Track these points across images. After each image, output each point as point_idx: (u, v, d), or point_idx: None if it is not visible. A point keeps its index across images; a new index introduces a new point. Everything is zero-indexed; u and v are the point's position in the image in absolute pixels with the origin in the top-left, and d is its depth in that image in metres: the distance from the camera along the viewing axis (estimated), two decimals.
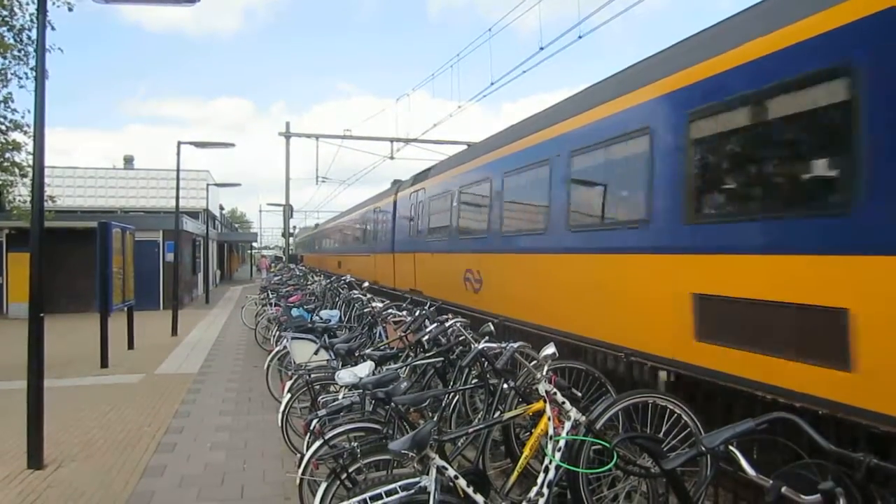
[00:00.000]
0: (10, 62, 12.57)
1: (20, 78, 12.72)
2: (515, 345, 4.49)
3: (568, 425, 3.47)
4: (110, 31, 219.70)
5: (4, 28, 12.30)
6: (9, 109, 12.97)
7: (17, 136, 13.22)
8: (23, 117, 13.05)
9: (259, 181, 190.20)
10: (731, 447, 2.13)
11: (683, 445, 3.86)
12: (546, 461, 3.38)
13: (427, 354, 5.61)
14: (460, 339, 5.44)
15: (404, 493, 2.87)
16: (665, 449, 3.78)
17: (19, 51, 12.54)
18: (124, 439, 6.47)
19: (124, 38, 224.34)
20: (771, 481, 2.00)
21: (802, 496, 1.88)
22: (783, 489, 1.93)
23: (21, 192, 14.53)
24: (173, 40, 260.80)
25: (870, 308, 3.71)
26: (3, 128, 13.01)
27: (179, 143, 14.88)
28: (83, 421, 7.16)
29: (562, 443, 3.40)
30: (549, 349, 3.70)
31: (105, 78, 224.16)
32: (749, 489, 3.85)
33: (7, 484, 5.23)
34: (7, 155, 13.18)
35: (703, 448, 2.16)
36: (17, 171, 13.34)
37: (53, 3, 11.82)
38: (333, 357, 5.99)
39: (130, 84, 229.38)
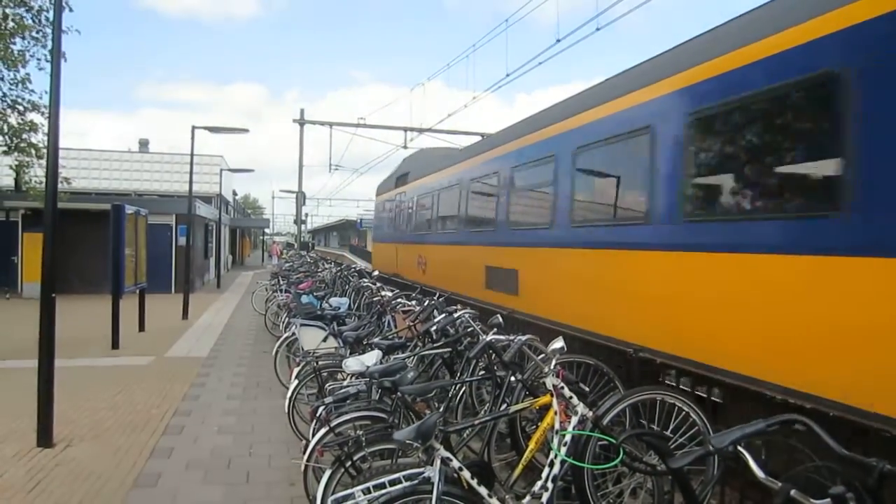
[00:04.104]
0: (28, 43, 12.61)
1: (39, 60, 12.76)
2: (524, 337, 4.46)
3: (574, 420, 3.45)
4: (126, 14, 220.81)
5: (23, 9, 12.34)
6: (27, 90, 13.04)
7: (34, 116, 13.29)
8: (40, 98, 13.11)
9: (272, 168, 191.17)
10: (739, 448, 2.10)
11: (691, 444, 3.83)
12: (551, 455, 3.37)
13: (435, 345, 5.59)
14: (468, 330, 5.41)
15: (408, 483, 2.86)
16: (672, 447, 3.75)
17: (38, 32, 12.56)
18: (133, 420, 6.53)
19: (140, 21, 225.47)
20: (780, 484, 1.96)
21: (812, 500, 1.85)
22: (792, 492, 1.90)
23: (37, 173, 14.61)
24: (188, 24, 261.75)
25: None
26: (21, 108, 13.08)
27: (194, 128, 14.91)
28: (93, 401, 7.24)
29: (568, 437, 3.38)
30: (558, 343, 3.67)
31: (121, 61, 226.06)
32: (757, 490, 3.81)
33: (17, 461, 5.30)
34: (24, 136, 13.25)
35: (712, 448, 2.12)
36: (33, 151, 13.41)
37: None
38: (342, 345, 6.00)
39: (146, 68, 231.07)
